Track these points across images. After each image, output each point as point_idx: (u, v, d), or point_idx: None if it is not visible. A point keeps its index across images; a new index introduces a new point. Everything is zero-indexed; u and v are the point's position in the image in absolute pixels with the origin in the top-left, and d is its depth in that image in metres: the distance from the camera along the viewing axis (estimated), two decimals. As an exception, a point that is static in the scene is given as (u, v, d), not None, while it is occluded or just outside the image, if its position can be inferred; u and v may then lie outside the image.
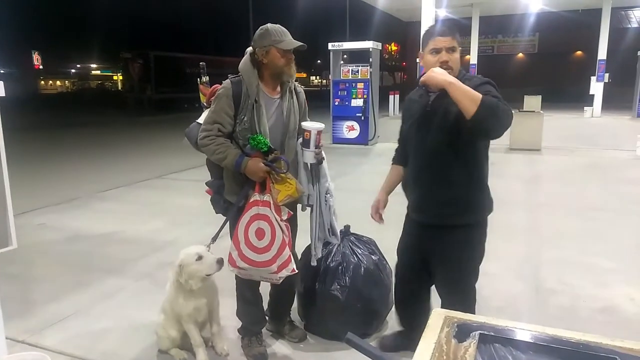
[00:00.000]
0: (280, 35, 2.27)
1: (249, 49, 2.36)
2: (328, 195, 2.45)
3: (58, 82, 73.97)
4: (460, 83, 1.84)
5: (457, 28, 2.09)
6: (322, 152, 2.44)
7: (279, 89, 2.42)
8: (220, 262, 2.34)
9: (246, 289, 2.57)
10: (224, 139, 2.32)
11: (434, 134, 2.05)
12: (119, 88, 45.16)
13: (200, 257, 2.34)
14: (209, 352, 2.55)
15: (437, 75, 1.88)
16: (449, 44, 2.00)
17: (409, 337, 2.54)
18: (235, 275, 2.47)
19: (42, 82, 68.03)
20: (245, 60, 2.35)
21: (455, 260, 2.21)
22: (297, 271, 2.36)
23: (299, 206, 2.56)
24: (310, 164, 2.42)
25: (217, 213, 2.50)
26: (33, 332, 2.89)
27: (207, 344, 2.59)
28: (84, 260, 4.15)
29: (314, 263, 2.55)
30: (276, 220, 2.26)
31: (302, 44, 2.32)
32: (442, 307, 2.32)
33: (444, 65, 1.98)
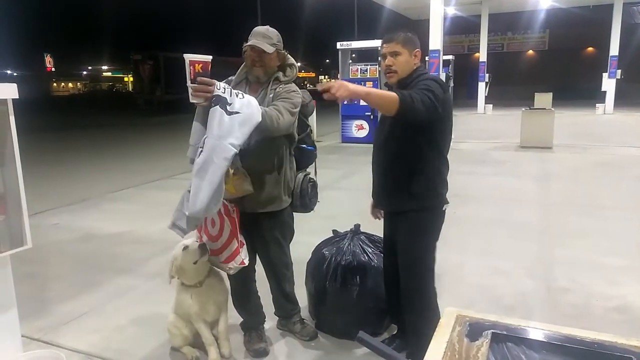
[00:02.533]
0: (250, 37, 2.35)
1: None
2: (201, 149, 2.04)
3: (70, 84, 74.81)
4: (375, 91, 1.99)
5: (404, 35, 2.23)
6: (219, 93, 2.01)
7: (260, 89, 2.43)
8: (202, 247, 2.38)
9: (234, 282, 2.62)
10: None
11: (384, 133, 2.28)
12: (130, 89, 45.47)
13: (186, 247, 2.41)
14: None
15: (347, 89, 1.87)
16: (391, 49, 2.21)
17: (404, 337, 2.57)
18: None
19: (55, 84, 68.80)
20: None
21: (409, 243, 2.33)
22: (246, 264, 2.37)
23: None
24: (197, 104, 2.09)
25: None
26: (48, 330, 2.93)
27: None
28: (97, 259, 4.20)
29: (169, 227, 2.29)
30: (222, 211, 2.32)
31: (249, 44, 2.30)
32: (402, 295, 2.39)
33: (388, 69, 2.23)
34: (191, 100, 2.01)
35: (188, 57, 1.97)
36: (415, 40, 2.26)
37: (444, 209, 2.31)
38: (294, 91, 2.38)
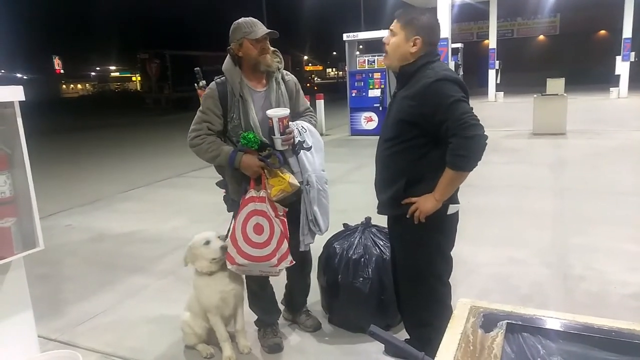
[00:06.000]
0: (250, 27, 2.30)
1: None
2: (309, 186, 2.39)
3: (79, 86, 75.62)
4: (443, 192, 1.98)
5: (411, 17, 2.05)
6: (298, 139, 2.38)
7: (264, 81, 2.43)
8: (224, 248, 2.39)
9: (253, 282, 2.61)
10: (215, 137, 2.38)
11: (387, 127, 2.15)
12: (136, 89, 45.80)
13: (207, 242, 2.41)
14: (233, 347, 2.57)
15: (428, 208, 2.02)
16: (392, 26, 2.09)
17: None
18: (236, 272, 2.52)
19: (64, 86, 69.59)
20: (227, 60, 2.39)
21: (402, 254, 2.26)
22: (295, 262, 2.41)
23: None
24: (283, 150, 2.35)
25: (228, 212, 2.54)
26: (64, 330, 2.97)
27: (232, 339, 2.61)
28: (110, 259, 4.24)
29: (300, 249, 2.49)
30: (272, 215, 2.31)
31: (272, 31, 2.33)
32: (400, 303, 2.38)
33: (384, 47, 2.14)
34: (280, 148, 2.32)
35: (275, 115, 2.26)
36: (422, 25, 2.01)
37: (449, 212, 2.08)
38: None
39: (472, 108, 1.95)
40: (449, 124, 1.88)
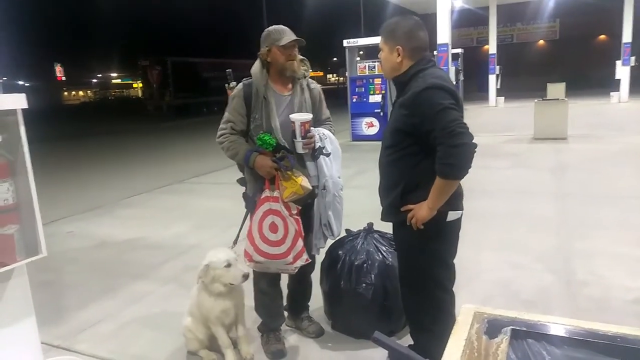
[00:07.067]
0: (279, 34, 2.41)
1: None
2: (325, 191, 2.46)
3: (81, 93, 75.85)
4: (434, 200, 1.96)
5: (385, 29, 2.10)
6: (319, 144, 2.45)
7: (290, 86, 2.51)
8: (245, 276, 2.39)
9: (263, 282, 2.62)
10: (237, 136, 2.48)
11: (386, 135, 2.18)
12: (133, 95, 45.89)
13: (228, 265, 2.39)
14: (236, 353, 2.55)
15: (422, 215, 2.01)
16: (379, 43, 2.13)
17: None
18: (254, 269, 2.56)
19: (66, 93, 69.84)
20: (256, 63, 2.50)
21: (401, 260, 2.29)
22: (310, 260, 2.48)
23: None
24: (303, 154, 2.44)
25: (246, 208, 2.56)
26: (67, 337, 2.96)
27: (234, 345, 2.60)
28: (112, 266, 4.24)
29: (312, 252, 2.58)
30: (287, 215, 2.37)
31: (298, 39, 2.42)
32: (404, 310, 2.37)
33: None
34: (300, 152, 2.41)
35: (298, 119, 2.35)
36: (400, 34, 2.03)
37: (449, 219, 2.06)
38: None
39: (462, 116, 1.93)
40: (437, 132, 1.87)
